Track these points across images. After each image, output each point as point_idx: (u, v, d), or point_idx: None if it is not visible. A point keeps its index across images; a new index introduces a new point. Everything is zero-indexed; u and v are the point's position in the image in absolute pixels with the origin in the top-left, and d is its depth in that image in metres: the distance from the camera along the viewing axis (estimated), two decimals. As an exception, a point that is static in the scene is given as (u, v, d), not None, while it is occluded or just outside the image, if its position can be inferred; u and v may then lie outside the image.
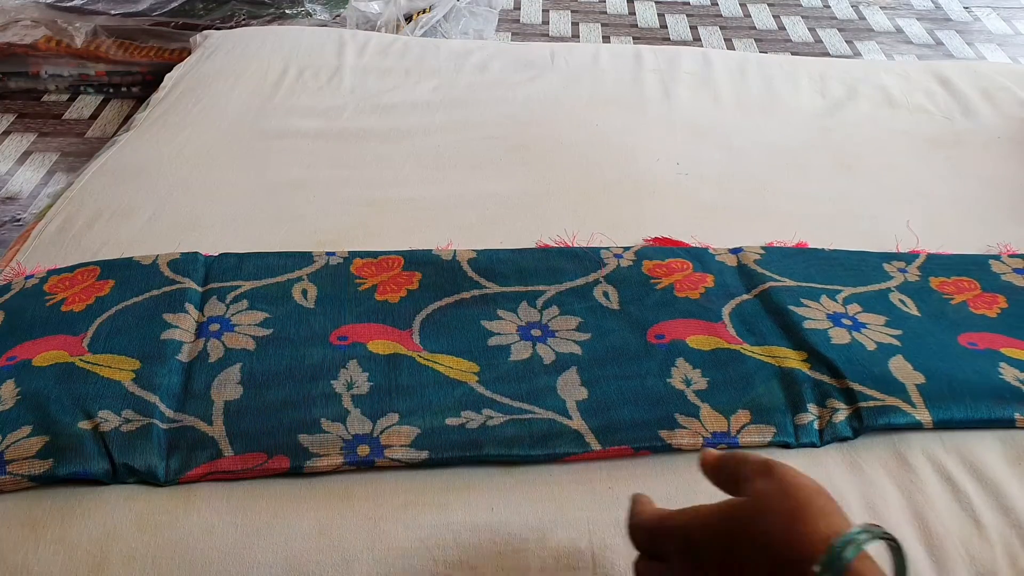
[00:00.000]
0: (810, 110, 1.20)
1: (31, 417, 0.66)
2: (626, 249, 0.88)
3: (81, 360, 0.71)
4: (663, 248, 0.89)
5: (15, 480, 0.62)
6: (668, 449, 0.67)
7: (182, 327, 0.75)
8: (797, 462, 0.67)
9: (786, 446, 0.68)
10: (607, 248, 0.88)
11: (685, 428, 0.68)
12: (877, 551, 0.43)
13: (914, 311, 0.83)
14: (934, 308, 0.83)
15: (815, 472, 0.66)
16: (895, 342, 0.77)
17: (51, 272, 0.82)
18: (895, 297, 0.84)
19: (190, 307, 0.77)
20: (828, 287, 0.84)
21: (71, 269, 0.82)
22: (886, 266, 0.88)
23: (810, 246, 0.91)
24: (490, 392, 0.71)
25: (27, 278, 0.82)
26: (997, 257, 0.91)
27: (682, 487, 0.66)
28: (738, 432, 0.68)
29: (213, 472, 0.64)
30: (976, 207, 1.01)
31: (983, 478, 0.67)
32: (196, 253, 0.84)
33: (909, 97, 1.24)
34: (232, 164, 1.02)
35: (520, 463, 0.67)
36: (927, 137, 1.15)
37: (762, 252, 0.88)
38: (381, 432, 0.67)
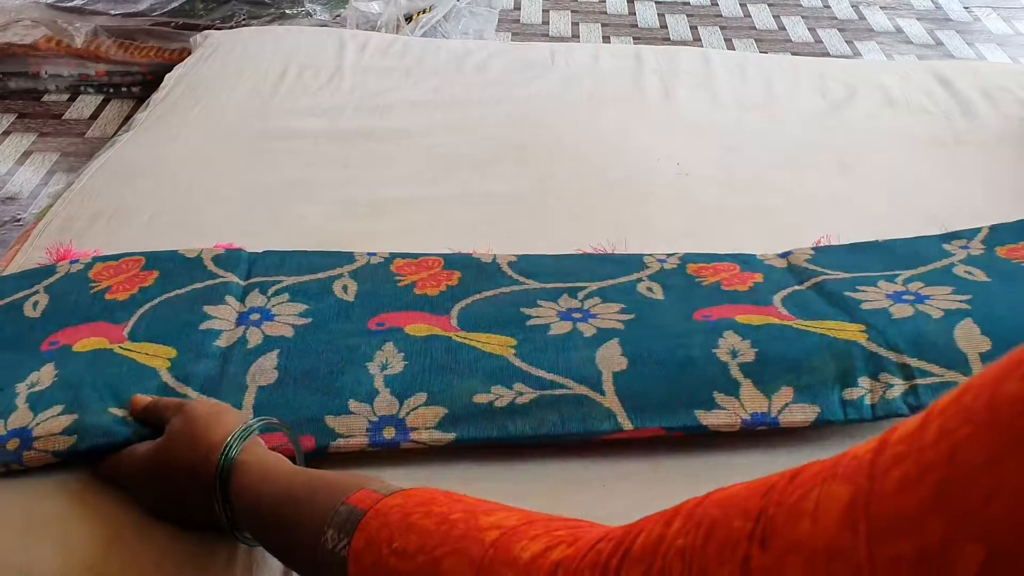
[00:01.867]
0: (810, 110, 1.20)
1: (64, 397, 0.66)
2: (669, 255, 0.86)
3: (120, 347, 0.72)
4: (707, 254, 0.86)
5: (40, 456, 0.62)
6: (703, 431, 0.65)
7: (222, 317, 0.76)
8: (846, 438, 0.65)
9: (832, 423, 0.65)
10: (649, 254, 0.86)
11: (723, 408, 0.65)
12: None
13: (983, 278, 0.78)
14: (1005, 272, 0.79)
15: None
16: (964, 306, 0.72)
17: (96, 259, 0.83)
18: (960, 270, 0.80)
19: (231, 299, 0.78)
20: (885, 273, 0.80)
21: (116, 257, 0.83)
22: (946, 246, 0.85)
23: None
24: (525, 364, 0.69)
25: (72, 263, 0.83)
26: None
27: (678, 485, 0.65)
28: (779, 412, 0.65)
29: None
30: (976, 207, 1.01)
31: None
32: (240, 249, 0.85)
33: (909, 97, 1.24)
34: (232, 164, 1.03)
35: (522, 457, 0.66)
36: (927, 137, 1.15)
37: (812, 252, 0.86)
38: (408, 414, 0.66)
